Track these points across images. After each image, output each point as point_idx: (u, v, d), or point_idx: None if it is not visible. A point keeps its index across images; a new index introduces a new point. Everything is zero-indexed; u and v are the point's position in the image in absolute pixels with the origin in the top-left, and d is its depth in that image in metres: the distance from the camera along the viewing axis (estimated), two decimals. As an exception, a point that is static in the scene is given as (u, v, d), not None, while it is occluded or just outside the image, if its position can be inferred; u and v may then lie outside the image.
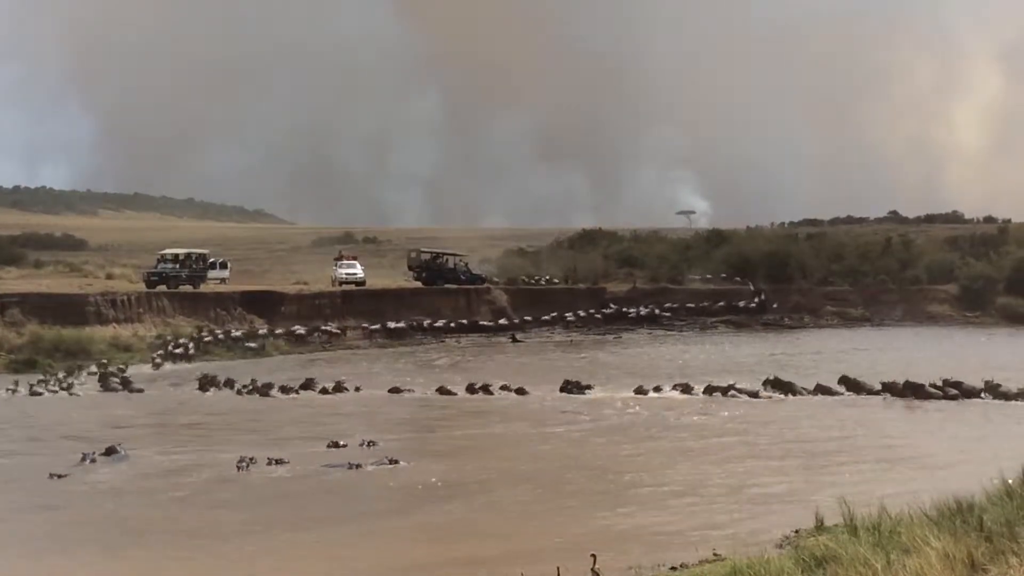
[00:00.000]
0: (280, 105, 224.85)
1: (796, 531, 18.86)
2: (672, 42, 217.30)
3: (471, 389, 42.33)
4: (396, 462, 28.04)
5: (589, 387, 42.16)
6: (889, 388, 40.45)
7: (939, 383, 39.90)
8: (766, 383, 41.83)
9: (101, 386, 45.85)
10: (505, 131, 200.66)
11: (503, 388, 42.21)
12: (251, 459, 27.96)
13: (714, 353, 59.24)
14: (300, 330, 62.68)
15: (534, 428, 34.00)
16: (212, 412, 39.28)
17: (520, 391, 41.76)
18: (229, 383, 45.11)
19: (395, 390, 43.22)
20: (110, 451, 29.26)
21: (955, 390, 39.25)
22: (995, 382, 39.57)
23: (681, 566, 17.19)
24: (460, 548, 20.43)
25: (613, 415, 36.34)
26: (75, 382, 46.61)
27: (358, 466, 27.45)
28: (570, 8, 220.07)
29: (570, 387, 42.10)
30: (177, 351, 56.24)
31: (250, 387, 44.29)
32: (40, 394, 43.92)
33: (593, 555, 16.58)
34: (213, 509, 23.79)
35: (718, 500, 23.53)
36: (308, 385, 44.25)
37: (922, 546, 11.71)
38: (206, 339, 58.84)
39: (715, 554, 17.72)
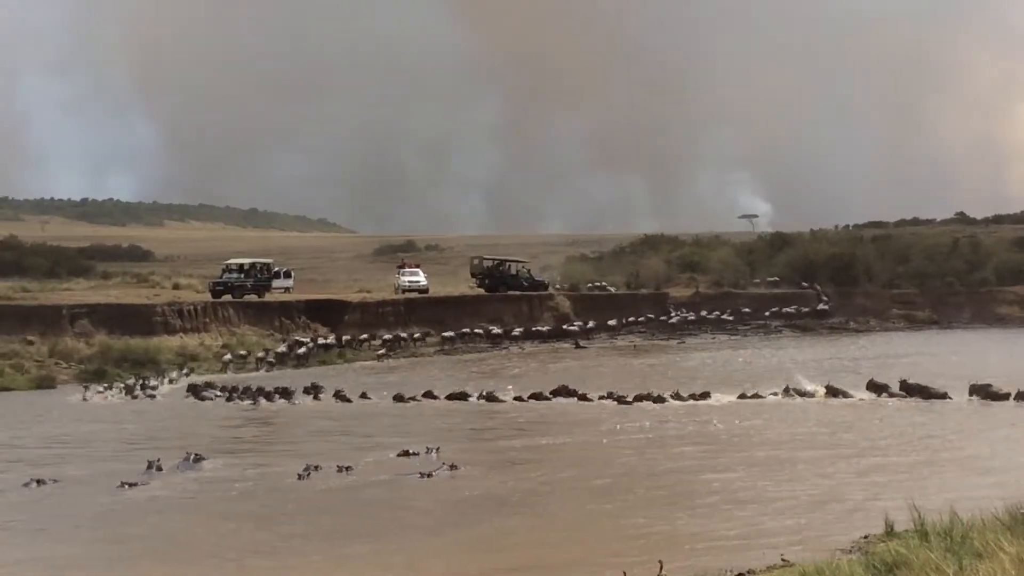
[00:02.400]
0: (340, 112, 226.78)
1: (865, 537, 18.63)
2: (732, 43, 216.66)
3: (534, 396, 42.24)
4: (456, 467, 28.02)
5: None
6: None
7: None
8: (787, 389, 41.44)
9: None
10: (565, 135, 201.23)
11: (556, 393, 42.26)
12: (316, 467, 28.00)
13: (779, 358, 58.78)
14: (363, 338, 63.19)
15: (593, 436, 33.79)
16: (283, 420, 39.53)
17: (583, 397, 41.67)
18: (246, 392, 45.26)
19: (455, 397, 43.07)
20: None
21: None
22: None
23: (749, 572, 17.03)
24: (523, 555, 20.35)
25: (674, 423, 36.00)
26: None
27: (430, 475, 27.32)
28: (629, 12, 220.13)
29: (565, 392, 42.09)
30: (300, 350, 59.04)
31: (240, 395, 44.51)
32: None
33: (660, 561, 16.51)
34: (256, 521, 23.46)
35: (783, 506, 23.29)
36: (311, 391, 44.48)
37: (995, 551, 11.56)
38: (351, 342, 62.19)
39: (783, 560, 17.54)
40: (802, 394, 40.63)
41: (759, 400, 40.01)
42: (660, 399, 40.21)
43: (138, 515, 24.00)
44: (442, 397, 42.86)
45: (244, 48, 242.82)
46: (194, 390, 45.95)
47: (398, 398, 42.75)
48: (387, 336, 64.71)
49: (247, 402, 43.45)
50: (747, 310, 77.79)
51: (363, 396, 43.61)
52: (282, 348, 59.31)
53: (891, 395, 40.05)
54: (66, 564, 20.54)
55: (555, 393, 42.20)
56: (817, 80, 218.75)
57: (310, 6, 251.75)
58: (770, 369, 51.57)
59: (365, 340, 63.56)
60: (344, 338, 62.94)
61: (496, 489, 26.04)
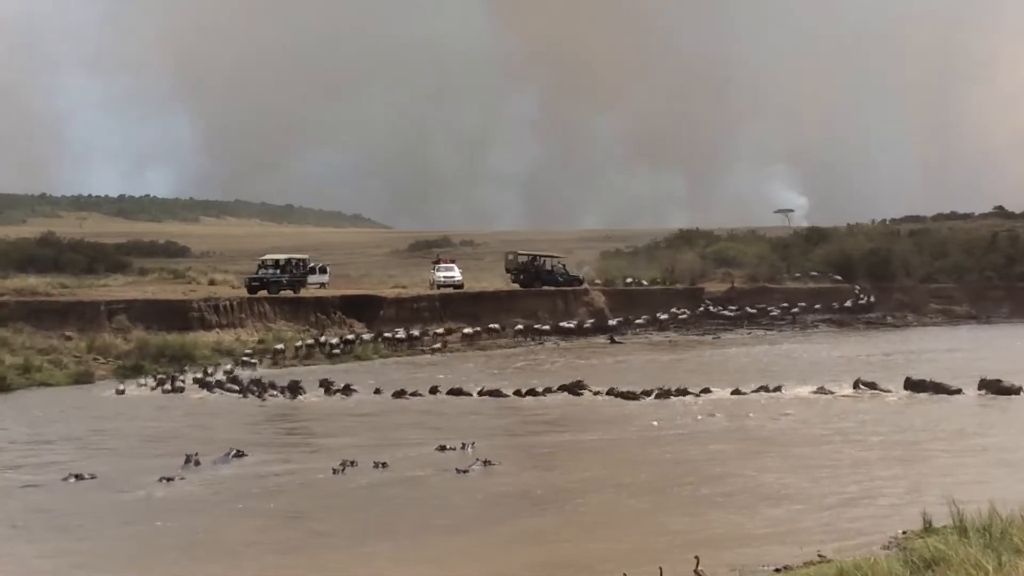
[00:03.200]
0: (377, 109, 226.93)
1: (903, 532, 18.51)
2: (768, 37, 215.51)
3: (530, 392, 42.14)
4: (490, 463, 28.00)
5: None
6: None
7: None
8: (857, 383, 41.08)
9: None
10: (600, 130, 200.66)
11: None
12: (351, 462, 28.06)
13: (816, 352, 58.55)
14: (399, 334, 63.28)
15: (626, 432, 33.62)
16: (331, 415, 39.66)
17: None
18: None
19: (492, 393, 42.90)
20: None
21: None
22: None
23: (785, 568, 16.95)
24: (558, 551, 20.33)
25: (704, 419, 35.74)
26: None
27: (465, 471, 27.28)
28: (665, 6, 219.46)
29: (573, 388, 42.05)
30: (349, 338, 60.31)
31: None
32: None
33: (696, 556, 16.45)
34: (286, 518, 23.48)
35: (818, 502, 23.17)
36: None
37: (1035, 548, 11.45)
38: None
39: (819, 556, 17.46)
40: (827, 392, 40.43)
41: (788, 395, 39.79)
42: (666, 394, 40.06)
43: (170, 511, 24.08)
44: (444, 392, 42.86)
45: (280, 45, 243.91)
46: (206, 385, 46.22)
47: (397, 394, 42.66)
48: (468, 331, 65.53)
49: (253, 397, 43.57)
50: (786, 305, 77.43)
51: (376, 392, 43.60)
52: (335, 339, 60.35)
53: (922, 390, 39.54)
54: (89, 561, 20.64)
55: (563, 388, 42.22)
56: (854, 73, 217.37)
57: (346, 3, 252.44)
58: (804, 365, 51.39)
59: (441, 335, 64.41)
60: (416, 333, 63.82)
61: (530, 485, 26.02)
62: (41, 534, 22.64)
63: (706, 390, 40.58)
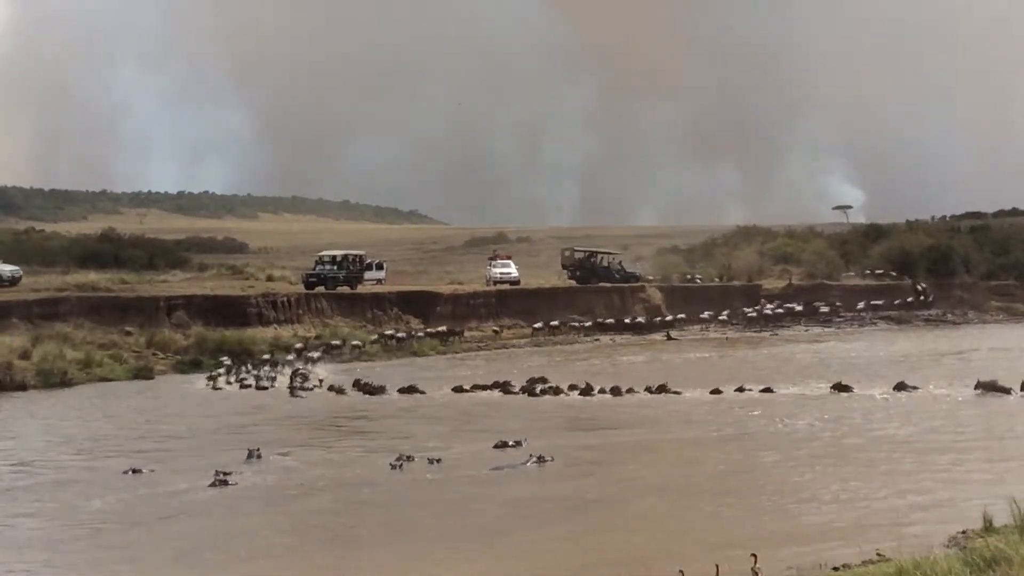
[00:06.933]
0: (432, 102, 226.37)
1: (963, 532, 18.34)
2: (823, 29, 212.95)
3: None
4: (543, 459, 28.03)
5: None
6: None
7: None
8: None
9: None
10: (656, 124, 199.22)
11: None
12: (408, 457, 28.23)
13: (872, 350, 58.03)
14: (454, 329, 63.77)
15: (677, 432, 33.46)
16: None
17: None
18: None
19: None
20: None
21: None
22: None
23: (844, 566, 16.84)
24: (611, 549, 20.33)
25: (757, 418, 35.47)
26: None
27: (507, 467, 27.45)
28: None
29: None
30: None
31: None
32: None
33: (754, 554, 16.41)
34: (309, 519, 23.59)
35: (878, 500, 23.02)
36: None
37: (1098, 548, 11.31)
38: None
39: (878, 554, 17.34)
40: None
41: (843, 395, 39.55)
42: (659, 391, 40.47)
43: (201, 511, 24.26)
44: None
45: (336, 38, 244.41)
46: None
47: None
48: (523, 327, 66.96)
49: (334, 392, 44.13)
50: (845, 301, 76.89)
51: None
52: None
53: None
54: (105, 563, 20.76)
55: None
56: (914, 64, 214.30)
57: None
58: (858, 363, 51.05)
59: (494, 331, 65.96)
60: (536, 326, 66.28)
61: (582, 484, 26.03)
62: (43, 534, 22.81)
63: (767, 389, 40.68)
